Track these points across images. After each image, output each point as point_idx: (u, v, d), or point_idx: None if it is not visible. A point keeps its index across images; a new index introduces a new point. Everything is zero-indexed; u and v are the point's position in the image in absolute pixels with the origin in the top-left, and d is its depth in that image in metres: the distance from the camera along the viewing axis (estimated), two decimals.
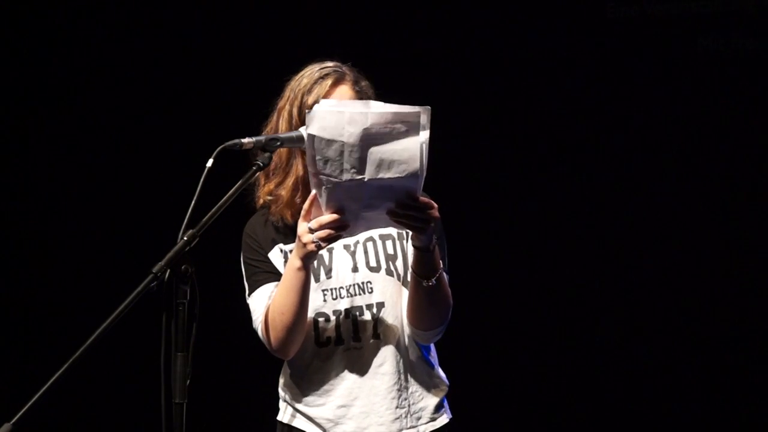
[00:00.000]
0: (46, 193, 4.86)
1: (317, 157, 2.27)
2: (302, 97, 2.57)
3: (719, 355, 4.50)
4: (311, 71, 2.61)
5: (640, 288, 4.57)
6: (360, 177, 2.27)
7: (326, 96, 2.56)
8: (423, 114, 2.26)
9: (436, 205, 2.36)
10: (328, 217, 2.33)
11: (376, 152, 2.26)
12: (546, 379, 4.63)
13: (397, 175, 2.28)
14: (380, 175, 2.28)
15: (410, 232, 2.44)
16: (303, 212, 2.37)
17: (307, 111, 2.29)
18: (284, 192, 2.58)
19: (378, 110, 2.25)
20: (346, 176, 2.28)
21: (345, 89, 2.60)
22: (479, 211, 4.58)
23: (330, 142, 2.25)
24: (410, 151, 2.26)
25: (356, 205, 2.34)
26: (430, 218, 2.35)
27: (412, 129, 2.26)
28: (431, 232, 2.40)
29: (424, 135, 2.27)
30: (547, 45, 4.61)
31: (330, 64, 2.63)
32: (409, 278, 2.53)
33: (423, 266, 2.45)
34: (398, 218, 2.34)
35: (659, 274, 4.55)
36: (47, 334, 4.73)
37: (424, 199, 2.34)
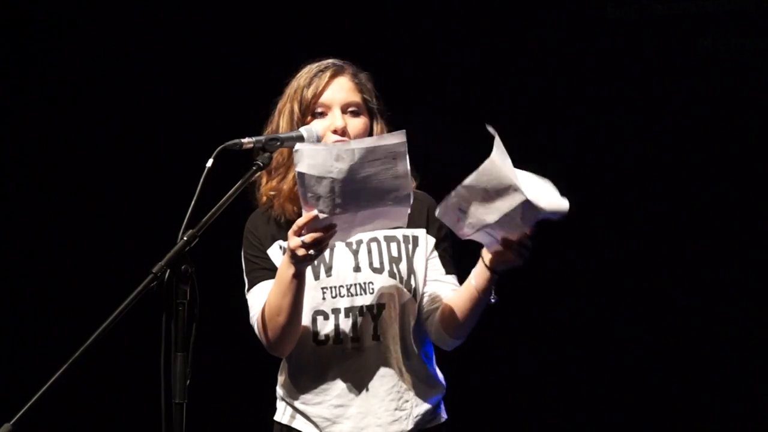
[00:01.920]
0: (46, 193, 4.86)
1: (308, 194, 2.28)
2: (302, 92, 2.59)
3: (719, 356, 4.50)
4: (309, 68, 2.64)
5: (639, 288, 4.56)
6: (352, 211, 2.30)
7: (325, 87, 2.59)
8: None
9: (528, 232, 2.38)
10: (319, 232, 2.33)
11: (367, 186, 2.27)
12: (541, 379, 4.63)
13: (390, 203, 2.31)
14: (372, 206, 2.30)
15: (433, 240, 2.59)
16: (295, 227, 2.35)
17: (295, 150, 2.27)
18: (286, 186, 2.59)
19: (363, 145, 2.25)
20: (338, 210, 2.29)
21: (344, 80, 2.61)
22: None
23: (320, 179, 2.26)
24: (400, 178, 2.28)
25: (348, 225, 2.36)
26: (529, 249, 2.39)
27: (400, 157, 2.27)
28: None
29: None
30: (547, 45, 4.61)
31: (328, 60, 2.65)
32: (414, 283, 2.55)
33: (490, 285, 2.47)
34: (512, 252, 2.37)
35: (658, 275, 4.55)
36: (47, 334, 4.73)
37: (526, 232, 2.37)
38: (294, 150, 2.27)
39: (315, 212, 2.30)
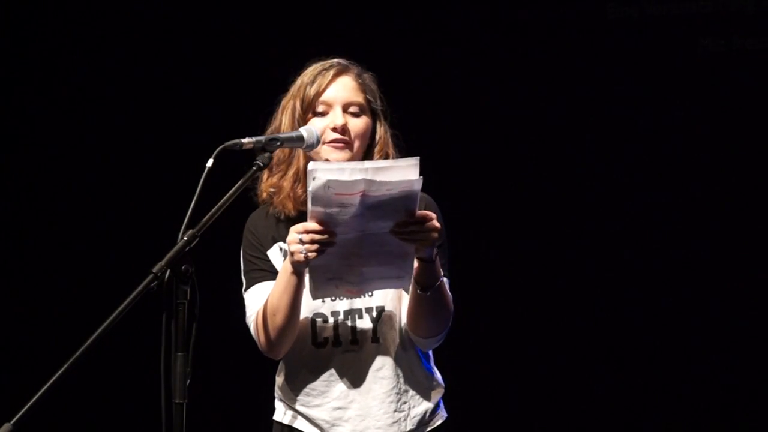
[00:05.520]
0: (46, 193, 4.86)
1: (317, 210, 2.26)
2: (305, 89, 2.58)
3: (719, 356, 4.51)
4: (314, 66, 2.63)
5: (638, 289, 4.57)
6: (358, 233, 2.29)
7: (328, 85, 2.58)
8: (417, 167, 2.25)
9: (434, 215, 2.33)
10: (314, 225, 2.30)
11: (375, 212, 2.25)
12: (541, 377, 4.63)
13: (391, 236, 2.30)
14: (377, 230, 2.29)
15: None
16: (300, 227, 2.33)
17: (309, 169, 2.23)
18: (286, 183, 2.58)
19: (378, 177, 2.22)
20: (340, 231, 2.29)
21: (347, 80, 2.61)
22: (477, 212, 4.58)
23: (331, 196, 2.23)
24: (408, 208, 2.26)
25: (358, 261, 2.35)
26: (432, 229, 2.33)
27: (412, 189, 2.25)
28: (434, 242, 2.38)
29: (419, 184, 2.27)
30: (547, 45, 4.61)
31: (333, 59, 2.64)
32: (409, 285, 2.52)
33: (425, 276, 2.43)
34: (401, 236, 2.32)
35: (659, 276, 4.55)
36: (47, 334, 4.73)
37: (422, 212, 2.32)
38: (309, 169, 2.25)
39: (322, 230, 2.29)
